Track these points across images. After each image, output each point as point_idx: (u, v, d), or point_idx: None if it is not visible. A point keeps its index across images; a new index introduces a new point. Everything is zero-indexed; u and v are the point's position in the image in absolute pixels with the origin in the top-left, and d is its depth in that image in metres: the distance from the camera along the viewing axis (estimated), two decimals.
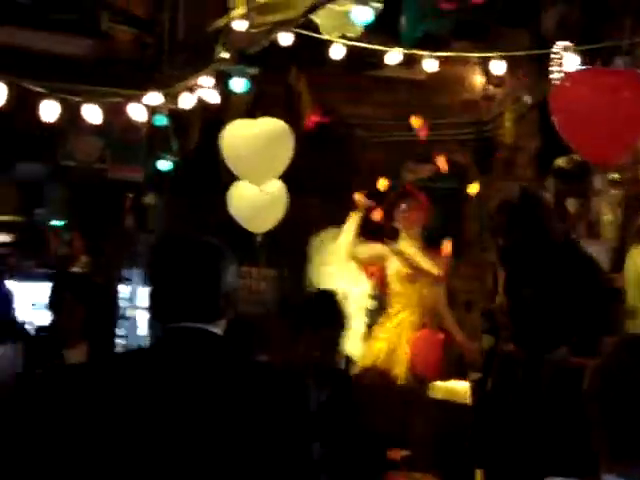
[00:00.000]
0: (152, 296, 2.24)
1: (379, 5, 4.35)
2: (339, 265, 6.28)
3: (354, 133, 7.60)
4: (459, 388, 5.61)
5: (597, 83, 4.82)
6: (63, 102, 5.37)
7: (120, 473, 2.02)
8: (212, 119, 7.01)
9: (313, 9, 4.63)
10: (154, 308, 2.24)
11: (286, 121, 7.34)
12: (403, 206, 5.88)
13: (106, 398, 2.08)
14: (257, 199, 5.99)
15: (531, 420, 4.02)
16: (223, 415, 2.04)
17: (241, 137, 5.84)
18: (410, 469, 6.20)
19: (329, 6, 4.16)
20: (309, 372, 3.37)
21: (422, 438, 5.47)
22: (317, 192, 7.33)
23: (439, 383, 5.73)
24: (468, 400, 5.24)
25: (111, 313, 7.02)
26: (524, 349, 4.13)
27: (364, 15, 4.25)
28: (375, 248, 5.96)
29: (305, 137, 7.35)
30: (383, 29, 6.71)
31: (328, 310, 3.77)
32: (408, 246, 5.89)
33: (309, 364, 3.51)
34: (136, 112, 5.74)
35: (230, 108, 7.29)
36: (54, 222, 7.31)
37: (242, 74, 5.35)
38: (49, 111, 5.38)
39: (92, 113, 5.58)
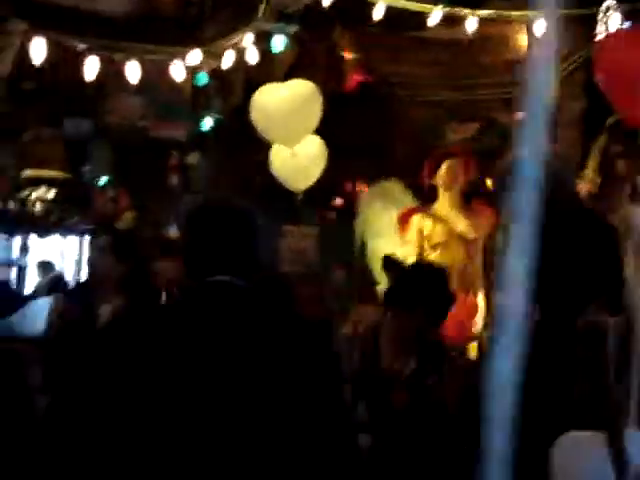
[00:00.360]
0: (185, 255, 2.34)
1: None
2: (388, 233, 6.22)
3: (396, 92, 7.57)
4: None
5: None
6: (105, 59, 5.40)
7: (159, 421, 2.09)
8: (255, 78, 7.02)
9: None
10: (187, 266, 2.33)
11: (328, 80, 7.38)
12: (444, 166, 5.82)
13: (142, 349, 2.16)
14: (296, 158, 6.02)
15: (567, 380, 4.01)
16: (252, 361, 2.11)
17: (269, 101, 5.87)
18: None
19: None
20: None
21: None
22: (359, 151, 7.33)
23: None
24: None
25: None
26: (548, 312, 4.09)
27: None
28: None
29: (348, 96, 7.35)
30: None
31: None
32: (445, 207, 5.86)
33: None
34: (177, 70, 5.76)
35: (273, 66, 7.30)
36: (99, 179, 7.38)
37: (282, 32, 5.34)
38: (91, 68, 5.43)
39: (133, 70, 5.62)
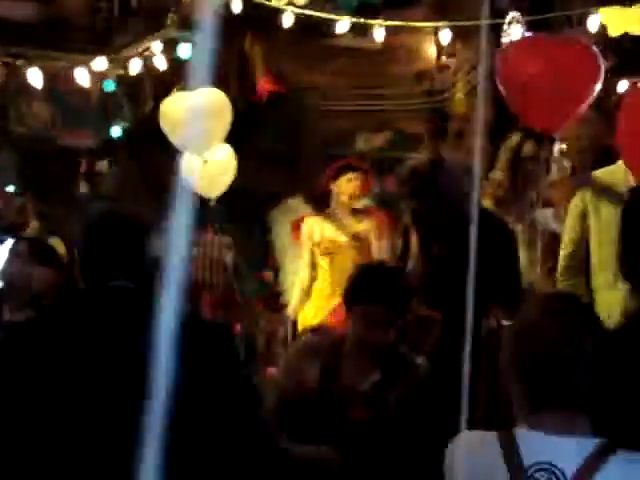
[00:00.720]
0: (81, 261, 2.46)
1: None
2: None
3: (307, 101, 7.61)
4: None
5: (540, 50, 4.86)
6: (8, 66, 5.33)
7: (47, 431, 2.10)
8: (166, 86, 6.98)
9: None
10: (82, 271, 2.42)
11: (239, 88, 7.38)
12: (343, 178, 5.85)
13: (32, 354, 2.18)
14: (206, 166, 6.02)
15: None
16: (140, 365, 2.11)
17: (178, 109, 5.86)
18: None
19: None
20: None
21: None
22: (270, 160, 7.34)
23: None
24: None
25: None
26: (441, 312, 4.13)
27: None
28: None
29: (258, 104, 7.36)
30: None
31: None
32: (339, 213, 5.89)
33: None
34: (82, 77, 5.72)
35: (183, 74, 7.27)
36: (7, 188, 7.25)
37: (188, 40, 5.34)
38: None
39: (36, 77, 5.56)
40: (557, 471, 1.87)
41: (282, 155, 7.43)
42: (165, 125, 5.96)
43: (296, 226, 6.05)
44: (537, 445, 1.90)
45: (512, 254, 4.34)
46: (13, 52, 5.72)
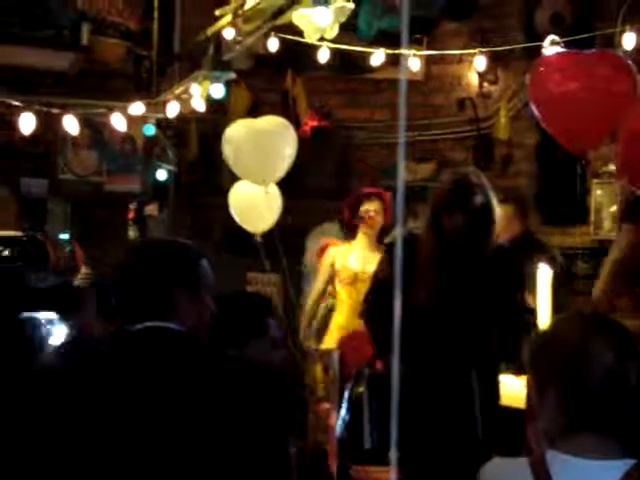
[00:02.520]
0: (115, 298, 2.30)
1: (348, 5, 4.32)
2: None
3: (352, 136, 7.63)
4: None
5: (572, 65, 4.78)
6: (43, 115, 5.45)
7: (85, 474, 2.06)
8: (210, 128, 7.05)
9: (278, 15, 4.65)
10: (118, 310, 2.28)
11: None
12: (365, 207, 5.83)
13: (70, 404, 2.10)
14: (254, 197, 6.02)
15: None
16: (188, 410, 2.05)
17: (242, 136, 5.87)
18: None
19: (304, 11, 4.16)
20: None
21: None
22: (318, 196, 7.35)
23: None
24: None
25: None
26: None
27: (323, 17, 4.23)
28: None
29: (303, 141, 7.39)
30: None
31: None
32: (361, 245, 5.87)
33: None
34: (118, 122, 5.80)
35: (228, 115, 7.34)
36: (57, 236, 7.34)
37: (219, 80, 5.38)
38: (27, 124, 5.48)
39: (71, 124, 5.66)
40: None
41: (330, 191, 7.44)
42: (228, 151, 5.96)
43: (320, 251, 6.08)
44: (570, 470, 1.86)
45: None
46: (48, 102, 5.82)
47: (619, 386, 1.87)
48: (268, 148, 5.85)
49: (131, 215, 7.52)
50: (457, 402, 3.85)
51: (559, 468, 1.86)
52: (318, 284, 6.00)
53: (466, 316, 3.90)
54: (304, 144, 7.41)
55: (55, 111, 5.66)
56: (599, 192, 6.63)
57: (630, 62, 4.70)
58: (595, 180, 6.64)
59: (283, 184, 7.27)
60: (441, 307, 3.90)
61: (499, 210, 4.00)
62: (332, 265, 5.90)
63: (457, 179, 3.93)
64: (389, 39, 6.29)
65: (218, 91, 5.56)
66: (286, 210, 6.39)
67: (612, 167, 6.46)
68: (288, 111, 7.41)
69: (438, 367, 3.89)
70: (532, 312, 4.35)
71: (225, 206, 6.35)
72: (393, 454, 1.36)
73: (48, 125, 6.33)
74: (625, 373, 1.87)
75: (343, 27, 4.59)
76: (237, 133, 5.93)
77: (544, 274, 5.21)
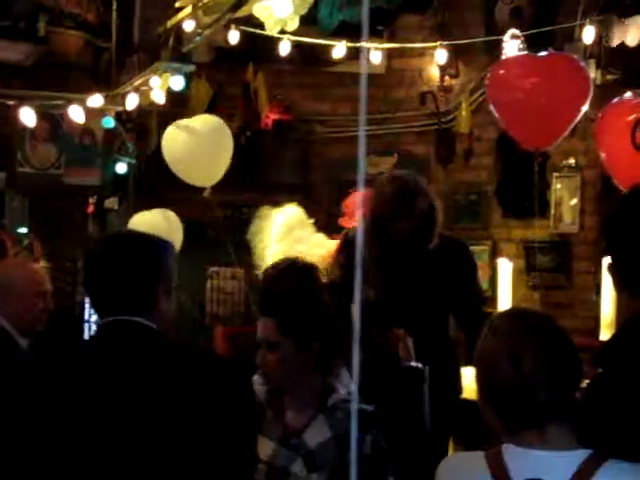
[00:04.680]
0: (86, 290, 2.29)
1: None
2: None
3: (313, 129, 7.61)
4: None
5: (529, 68, 4.86)
6: (5, 108, 5.39)
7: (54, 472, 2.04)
8: (171, 120, 7.00)
9: (238, 7, 4.63)
10: (91, 302, 2.27)
11: (245, 119, 7.39)
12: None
13: (42, 394, 2.10)
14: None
15: None
16: (157, 407, 2.05)
17: (180, 140, 5.80)
18: None
19: (265, 3, 4.14)
20: None
21: None
22: (279, 189, 7.33)
23: None
24: None
25: (75, 317, 7.00)
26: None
27: (283, 8, 4.20)
28: None
29: (264, 134, 7.36)
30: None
31: None
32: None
33: None
34: (77, 115, 5.74)
35: (189, 108, 7.29)
36: (17, 230, 7.26)
37: (179, 72, 5.34)
38: None
39: (29, 116, 5.60)
40: None
41: (292, 184, 7.42)
42: (168, 157, 5.91)
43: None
44: (525, 462, 1.87)
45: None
46: (4, 93, 5.76)
47: (527, 378, 1.86)
48: (205, 152, 5.78)
49: (90, 209, 7.45)
50: (406, 398, 3.87)
51: (514, 460, 1.87)
52: None
53: (415, 309, 3.96)
54: (265, 137, 7.39)
55: (11, 103, 5.60)
56: (559, 186, 6.68)
57: (585, 59, 4.82)
58: (555, 174, 6.68)
59: (243, 177, 7.25)
60: (389, 302, 3.96)
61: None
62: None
63: (399, 186, 3.97)
64: (350, 32, 6.28)
65: (178, 83, 5.51)
66: (246, 204, 6.36)
67: (572, 161, 6.52)
68: (249, 104, 7.37)
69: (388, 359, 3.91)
70: (485, 302, 4.40)
71: (185, 199, 6.32)
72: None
73: (5, 118, 6.25)
74: (544, 366, 1.87)
75: (304, 20, 4.58)
76: (173, 139, 5.87)
77: (505, 267, 5.26)
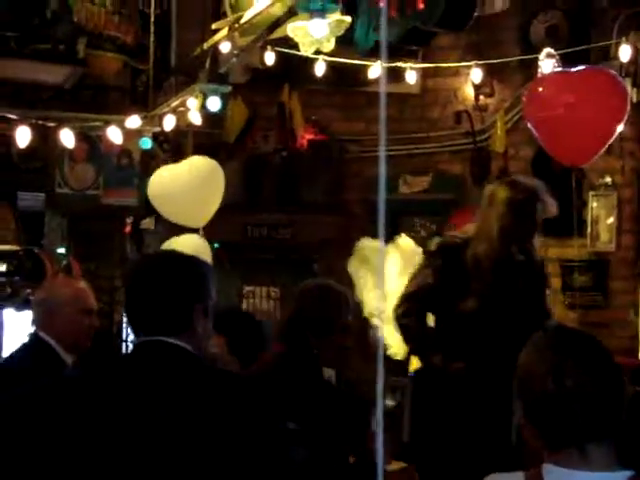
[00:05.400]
0: (125, 309, 2.29)
1: (345, 19, 4.31)
2: None
3: (348, 149, 7.63)
4: None
5: (566, 84, 4.84)
6: (44, 129, 5.46)
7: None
8: (207, 141, 7.05)
9: (274, 28, 4.67)
10: (128, 322, 2.28)
11: (280, 139, 7.43)
12: None
13: (71, 414, 2.09)
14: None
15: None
16: (186, 427, 2.04)
17: (168, 180, 5.79)
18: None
19: (300, 23, 4.16)
20: None
21: None
22: (314, 209, 7.36)
23: None
24: None
25: (113, 336, 7.05)
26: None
27: (319, 29, 4.22)
28: None
29: (299, 155, 7.40)
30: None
31: None
32: None
33: None
34: (115, 136, 5.80)
35: (225, 128, 7.35)
36: (56, 250, 7.34)
37: (215, 93, 5.38)
38: (23, 137, 5.54)
39: (68, 138, 5.67)
40: None
41: (326, 203, 7.44)
42: (154, 200, 5.89)
43: None
44: None
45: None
46: (45, 116, 5.83)
47: (572, 394, 1.84)
48: (195, 192, 5.76)
49: (127, 229, 7.51)
50: (497, 408, 3.88)
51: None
52: None
53: (512, 322, 3.97)
54: (300, 157, 7.43)
55: (51, 124, 5.67)
56: (595, 204, 6.64)
57: (621, 77, 4.78)
58: (592, 192, 6.65)
59: (278, 198, 7.30)
60: (488, 313, 3.99)
61: None
62: None
63: (525, 188, 4.04)
64: (404, 54, 6.27)
65: (214, 104, 5.56)
66: (282, 224, 6.39)
67: (608, 179, 6.48)
68: (284, 124, 7.42)
69: (486, 370, 3.95)
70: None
71: (221, 218, 6.35)
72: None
73: (44, 139, 6.33)
74: (587, 382, 1.85)
75: (340, 40, 4.59)
76: (161, 177, 5.84)
77: None
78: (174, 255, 2.37)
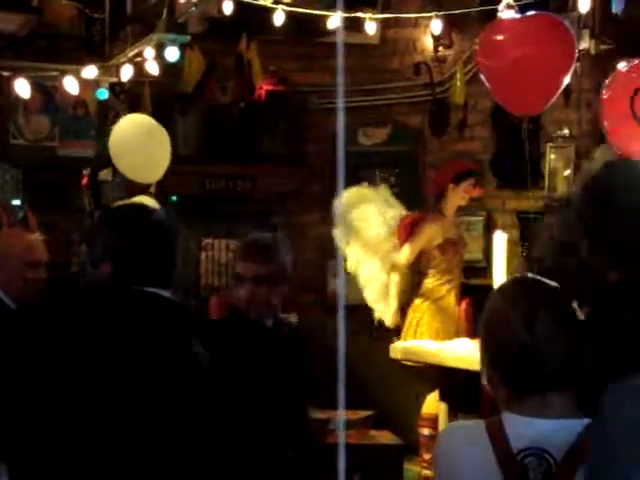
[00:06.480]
0: (114, 263, 2.35)
1: None
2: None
3: (306, 100, 7.58)
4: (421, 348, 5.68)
5: (517, 32, 4.84)
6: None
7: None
8: (164, 91, 6.97)
9: None
10: (115, 274, 2.35)
11: (238, 90, 7.36)
12: (469, 181, 6.11)
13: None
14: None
15: None
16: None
17: (122, 136, 5.83)
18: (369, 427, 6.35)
19: None
20: None
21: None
22: (273, 161, 7.32)
23: (398, 344, 5.80)
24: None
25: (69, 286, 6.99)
26: None
27: None
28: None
29: (258, 106, 7.34)
30: None
31: None
32: (449, 218, 6.18)
33: None
34: (72, 86, 5.72)
35: (182, 79, 7.25)
36: (11, 202, 7.25)
37: (174, 43, 5.32)
38: None
39: (23, 88, 5.59)
40: (547, 455, 1.85)
41: (286, 155, 7.41)
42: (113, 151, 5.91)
43: (407, 226, 6.10)
44: (525, 430, 1.88)
45: None
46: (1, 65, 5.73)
47: (536, 343, 1.87)
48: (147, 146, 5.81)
49: (84, 181, 7.43)
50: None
51: (514, 429, 1.88)
52: (407, 259, 6.08)
53: None
54: (259, 109, 7.37)
55: (6, 74, 5.56)
56: (553, 156, 6.68)
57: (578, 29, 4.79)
58: (549, 144, 6.69)
59: (237, 150, 7.24)
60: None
61: None
62: (432, 239, 6.09)
63: None
64: (345, 3, 6.24)
65: (173, 54, 5.49)
66: (241, 176, 6.35)
67: (566, 131, 6.52)
68: (243, 75, 7.34)
69: None
70: None
71: (179, 170, 6.31)
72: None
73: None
74: (537, 328, 1.88)
75: None
76: (120, 134, 5.88)
77: (499, 239, 5.28)
78: (152, 210, 2.52)
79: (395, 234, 6.17)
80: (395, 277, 6.13)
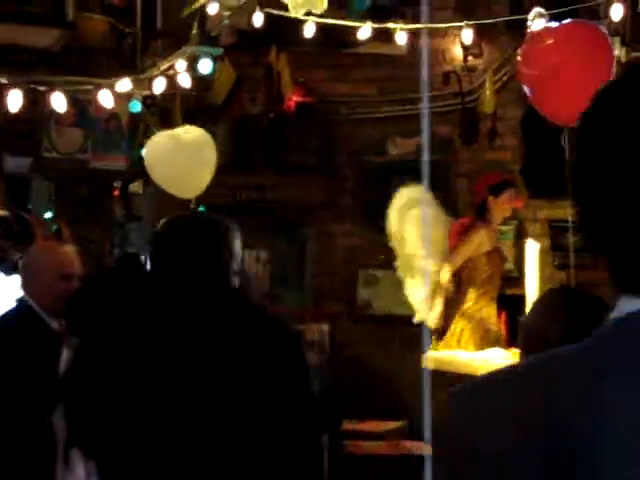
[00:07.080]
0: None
1: None
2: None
3: (336, 111, 7.59)
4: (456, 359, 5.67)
5: (558, 40, 4.80)
6: (34, 93, 5.42)
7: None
8: (195, 104, 7.01)
9: None
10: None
11: (268, 102, 7.39)
12: (508, 192, 6.18)
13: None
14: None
15: None
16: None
17: (163, 149, 5.80)
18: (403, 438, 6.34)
19: None
20: None
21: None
22: (302, 172, 7.34)
23: (431, 354, 5.78)
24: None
25: None
26: None
27: None
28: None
29: (287, 117, 7.36)
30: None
31: None
32: (494, 228, 6.26)
33: None
34: (105, 99, 5.76)
35: (212, 92, 7.29)
36: (42, 214, 7.31)
37: (207, 55, 5.35)
38: (15, 102, 5.49)
39: (59, 102, 5.63)
40: None
41: (315, 166, 7.42)
42: (149, 164, 5.90)
43: (458, 231, 6.14)
44: None
45: None
46: (35, 79, 5.78)
47: None
48: (189, 161, 5.78)
49: (116, 193, 7.49)
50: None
51: None
52: (455, 264, 6.13)
53: None
54: (288, 120, 7.39)
55: (42, 89, 5.61)
56: None
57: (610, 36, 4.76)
58: None
59: (266, 160, 7.27)
60: None
61: None
62: (481, 245, 6.15)
63: None
64: (373, 14, 6.26)
65: (206, 67, 5.52)
66: (270, 187, 6.37)
67: None
68: (272, 87, 7.37)
69: None
70: None
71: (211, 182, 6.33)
72: None
73: (32, 103, 6.27)
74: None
75: (330, 2, 4.57)
76: (156, 147, 5.86)
77: (531, 248, 5.25)
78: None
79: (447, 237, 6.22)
80: (445, 276, 6.14)
